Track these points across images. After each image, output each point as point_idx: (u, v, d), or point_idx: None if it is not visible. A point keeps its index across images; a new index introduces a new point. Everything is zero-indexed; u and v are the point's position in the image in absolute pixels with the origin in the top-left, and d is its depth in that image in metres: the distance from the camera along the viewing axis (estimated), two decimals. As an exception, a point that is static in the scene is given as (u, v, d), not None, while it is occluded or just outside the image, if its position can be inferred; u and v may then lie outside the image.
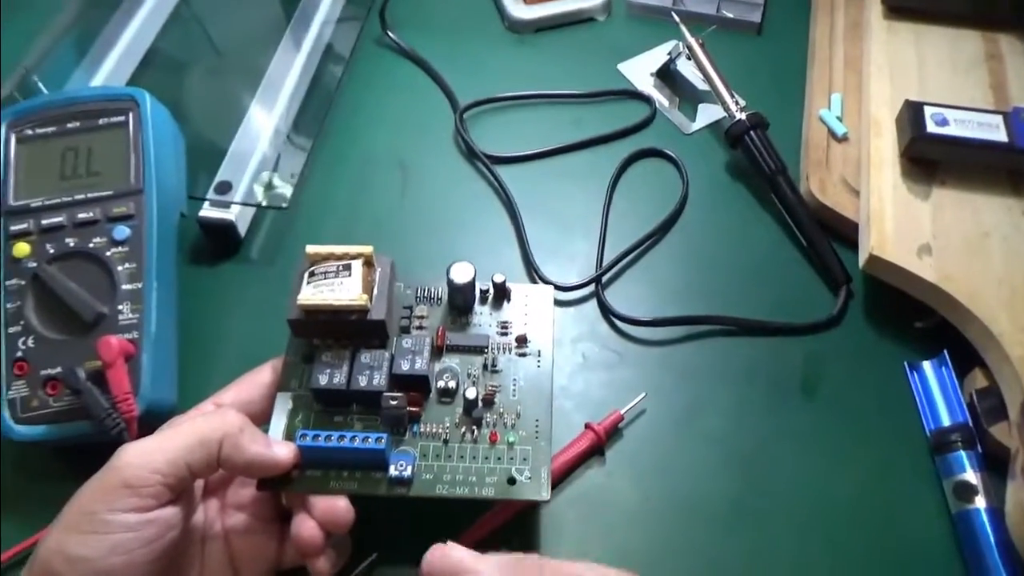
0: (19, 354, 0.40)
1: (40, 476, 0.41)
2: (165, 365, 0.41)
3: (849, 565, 0.39)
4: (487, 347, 0.38)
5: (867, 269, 0.45)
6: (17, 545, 0.38)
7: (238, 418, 0.32)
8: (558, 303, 0.48)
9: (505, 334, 0.39)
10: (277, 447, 0.33)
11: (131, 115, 0.44)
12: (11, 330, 0.40)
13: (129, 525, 0.29)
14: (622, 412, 0.43)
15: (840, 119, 0.54)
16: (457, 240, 0.51)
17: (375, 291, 0.36)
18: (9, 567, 0.38)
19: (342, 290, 0.35)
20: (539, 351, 0.39)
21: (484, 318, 0.40)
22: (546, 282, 0.48)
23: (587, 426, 0.42)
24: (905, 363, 0.45)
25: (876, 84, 0.53)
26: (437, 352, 0.38)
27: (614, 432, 0.43)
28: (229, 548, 0.35)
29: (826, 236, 0.50)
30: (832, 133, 0.54)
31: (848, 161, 0.52)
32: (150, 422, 0.38)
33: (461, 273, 0.38)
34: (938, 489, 0.41)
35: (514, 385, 0.38)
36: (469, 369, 0.38)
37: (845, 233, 0.50)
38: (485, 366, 0.38)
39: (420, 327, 0.39)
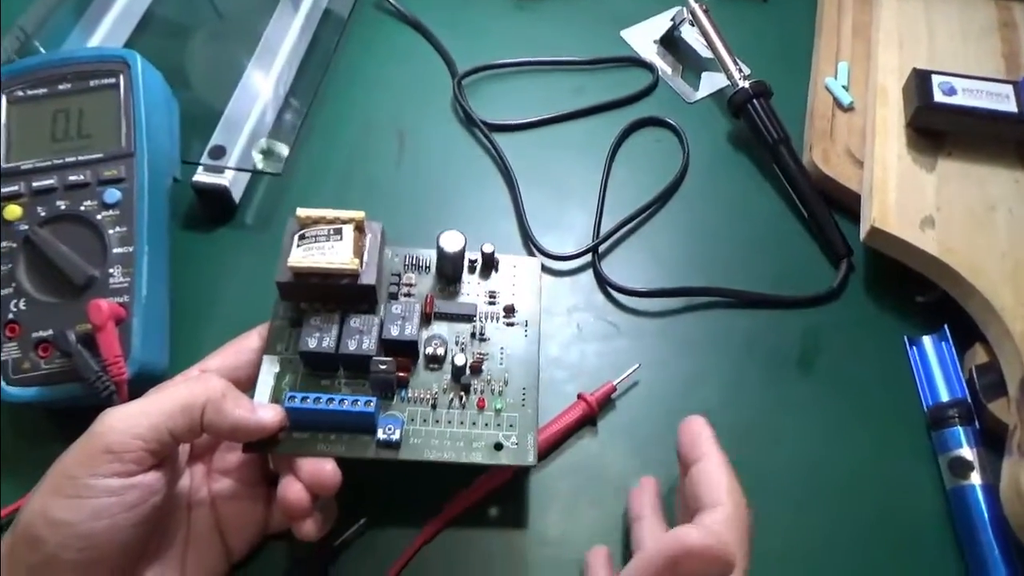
0: (10, 316, 0.39)
1: (34, 437, 0.41)
2: (156, 329, 0.41)
3: (843, 538, 0.39)
4: (475, 316, 0.38)
5: (868, 241, 0.45)
6: (10, 505, 0.38)
7: (221, 383, 0.32)
8: (554, 272, 0.48)
9: (493, 303, 0.39)
10: (262, 410, 0.33)
11: (122, 77, 0.43)
12: (3, 292, 0.40)
13: (111, 490, 0.29)
14: (615, 383, 0.42)
15: (846, 88, 0.53)
16: (453, 208, 0.50)
17: (365, 256, 0.36)
18: (5, 525, 0.38)
19: (333, 253, 0.35)
20: (526, 321, 0.39)
21: (472, 287, 0.39)
22: (542, 252, 0.47)
23: (579, 396, 0.42)
24: (905, 337, 0.45)
25: (884, 52, 0.51)
26: (425, 319, 0.38)
27: (607, 403, 0.42)
28: (215, 513, 0.35)
29: (828, 208, 0.49)
30: (838, 102, 0.53)
31: (853, 131, 0.51)
32: (141, 385, 0.38)
33: (451, 242, 0.38)
34: (934, 465, 0.41)
35: (501, 354, 0.37)
36: (457, 337, 0.38)
37: (848, 205, 0.49)
38: (473, 334, 0.38)
39: (408, 294, 0.38)
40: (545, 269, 0.48)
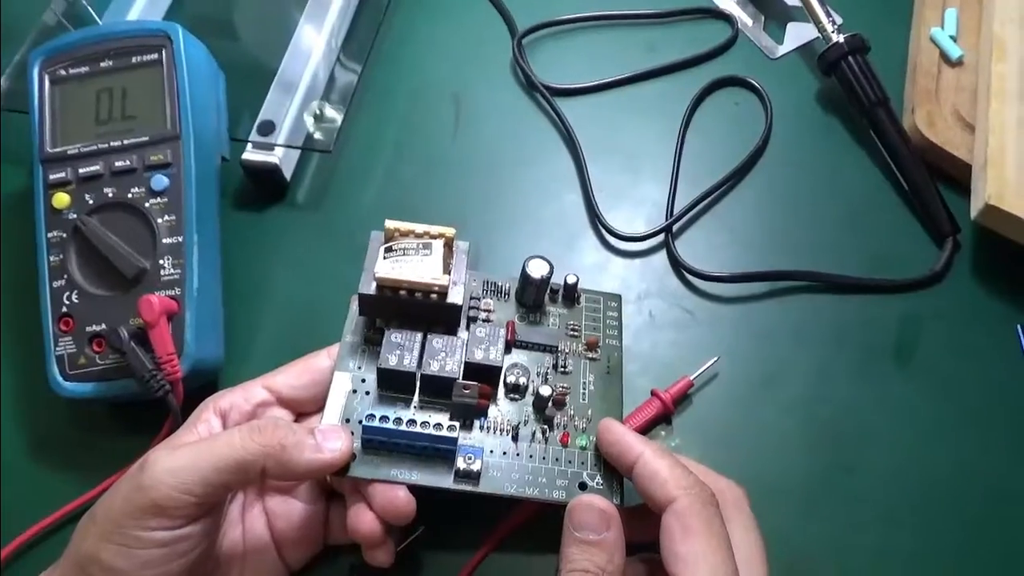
0: (64, 309, 0.38)
1: (94, 431, 0.40)
2: (209, 321, 0.40)
3: (940, 554, 0.36)
4: (558, 347, 0.36)
5: (981, 220, 0.40)
6: (71, 502, 0.38)
7: (279, 432, 0.29)
8: (623, 254, 0.44)
9: (575, 336, 0.37)
10: (329, 444, 0.30)
11: (164, 52, 0.41)
12: (55, 284, 0.39)
13: (161, 542, 0.28)
14: (692, 378, 0.39)
15: (955, 39, 0.47)
16: (513, 183, 0.47)
17: (452, 274, 0.34)
18: (67, 521, 0.38)
19: (423, 268, 0.33)
20: (608, 357, 0.36)
21: (552, 318, 0.37)
22: (610, 231, 0.44)
23: (653, 393, 0.39)
24: (1018, 327, 0.41)
25: (1003, -3, 0.45)
26: (507, 346, 0.35)
27: (683, 399, 0.40)
28: (271, 529, 0.34)
29: (932, 179, 0.44)
30: (944, 56, 0.47)
31: (963, 90, 0.46)
32: (197, 381, 0.38)
33: (538, 268, 0.35)
34: (1049, 473, 0.37)
35: (584, 389, 0.35)
36: (538, 367, 0.35)
37: (955, 176, 0.44)
38: (555, 366, 0.36)
39: (487, 319, 0.36)
40: (614, 250, 0.45)
